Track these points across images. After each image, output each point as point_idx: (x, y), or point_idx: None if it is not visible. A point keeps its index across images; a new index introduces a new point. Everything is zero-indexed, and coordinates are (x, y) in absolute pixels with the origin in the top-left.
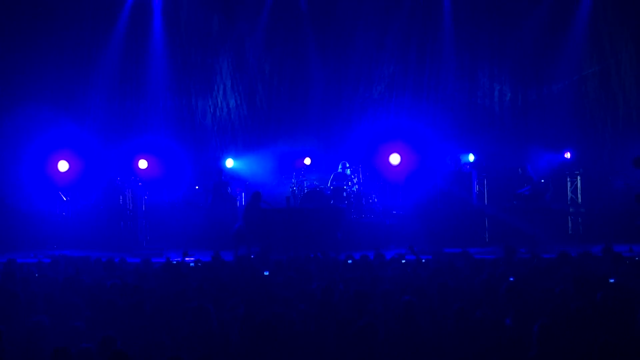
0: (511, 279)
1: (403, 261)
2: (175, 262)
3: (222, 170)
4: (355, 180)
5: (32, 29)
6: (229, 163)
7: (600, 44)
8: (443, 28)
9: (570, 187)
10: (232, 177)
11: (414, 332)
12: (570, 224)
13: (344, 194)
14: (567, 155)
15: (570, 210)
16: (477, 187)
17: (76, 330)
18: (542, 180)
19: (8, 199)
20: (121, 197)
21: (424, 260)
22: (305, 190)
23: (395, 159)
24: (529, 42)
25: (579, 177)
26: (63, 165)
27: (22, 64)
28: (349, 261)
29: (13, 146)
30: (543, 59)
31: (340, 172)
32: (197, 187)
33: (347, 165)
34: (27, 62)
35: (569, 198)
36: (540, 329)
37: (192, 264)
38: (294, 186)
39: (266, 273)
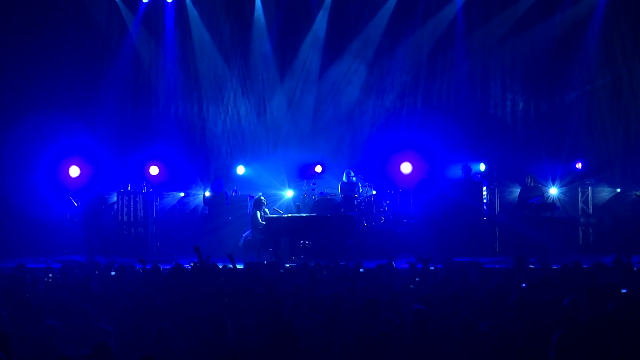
0: (523, 285)
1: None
2: (188, 267)
3: (220, 180)
4: (361, 190)
5: (45, 37)
6: (240, 170)
7: (612, 55)
8: (455, 37)
9: (582, 197)
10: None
11: (424, 340)
12: (580, 234)
13: (355, 202)
14: (579, 165)
15: (581, 220)
16: (487, 197)
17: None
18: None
19: (19, 205)
20: (132, 204)
21: (432, 268)
22: (316, 198)
23: (406, 167)
24: (541, 52)
25: (590, 188)
26: (74, 171)
27: (35, 72)
28: (361, 270)
29: (25, 152)
30: (555, 69)
31: (345, 181)
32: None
33: (352, 173)
34: (40, 70)
35: (580, 208)
36: (559, 340)
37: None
38: (305, 194)
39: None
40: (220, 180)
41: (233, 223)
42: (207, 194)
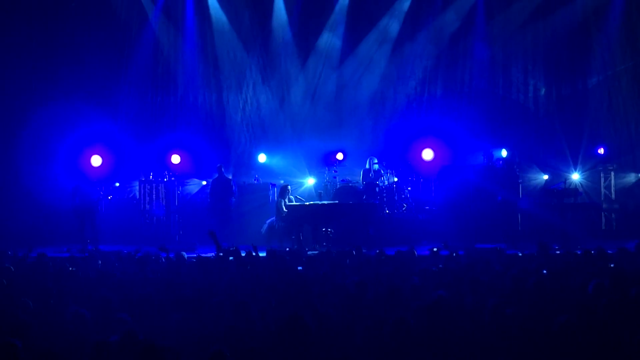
0: (544, 272)
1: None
2: (212, 256)
3: (221, 166)
4: (384, 177)
5: (65, 25)
6: (262, 158)
7: (634, 40)
8: (476, 23)
9: (604, 182)
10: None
11: (447, 326)
12: (603, 220)
13: (377, 189)
14: (601, 150)
15: (604, 206)
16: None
17: (118, 323)
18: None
19: (42, 194)
20: (154, 193)
21: (454, 255)
22: (338, 186)
23: (427, 154)
24: (562, 38)
25: (612, 173)
26: (96, 160)
27: (57, 60)
28: (382, 257)
29: (47, 141)
30: (577, 54)
31: (368, 168)
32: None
33: (375, 161)
34: (61, 58)
35: (602, 194)
36: (562, 326)
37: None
38: (327, 181)
39: (300, 268)
40: (219, 167)
41: (255, 211)
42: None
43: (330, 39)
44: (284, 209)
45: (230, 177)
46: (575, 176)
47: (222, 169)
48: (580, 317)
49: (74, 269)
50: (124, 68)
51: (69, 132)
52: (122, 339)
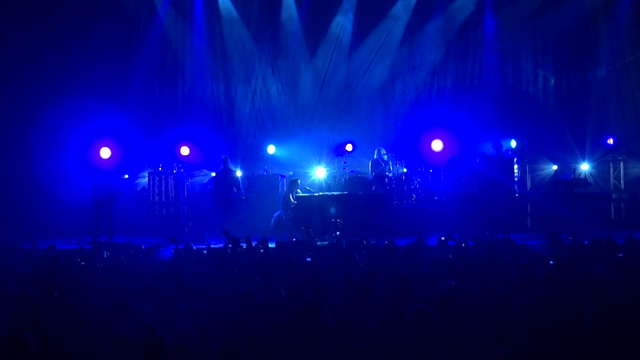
0: (551, 262)
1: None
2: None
3: (227, 158)
4: (394, 168)
5: (74, 19)
6: (271, 149)
7: None
8: (485, 14)
9: (613, 173)
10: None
11: (457, 317)
12: (612, 210)
13: (386, 180)
14: (610, 141)
15: (613, 196)
16: (519, 173)
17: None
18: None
19: (52, 187)
20: (163, 184)
21: (463, 245)
22: (347, 177)
23: (437, 145)
24: (572, 28)
25: (621, 163)
26: (105, 153)
27: (66, 54)
28: (392, 248)
29: (56, 134)
30: (586, 45)
31: (376, 158)
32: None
33: (383, 151)
34: (71, 52)
35: (611, 184)
36: (595, 316)
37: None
38: (336, 172)
39: (309, 259)
40: (225, 159)
41: (264, 202)
42: (239, 173)
43: (340, 29)
44: (292, 201)
45: (234, 169)
46: (585, 166)
47: (228, 161)
48: (591, 307)
49: (82, 262)
50: (132, 61)
51: (79, 125)
52: (141, 335)
